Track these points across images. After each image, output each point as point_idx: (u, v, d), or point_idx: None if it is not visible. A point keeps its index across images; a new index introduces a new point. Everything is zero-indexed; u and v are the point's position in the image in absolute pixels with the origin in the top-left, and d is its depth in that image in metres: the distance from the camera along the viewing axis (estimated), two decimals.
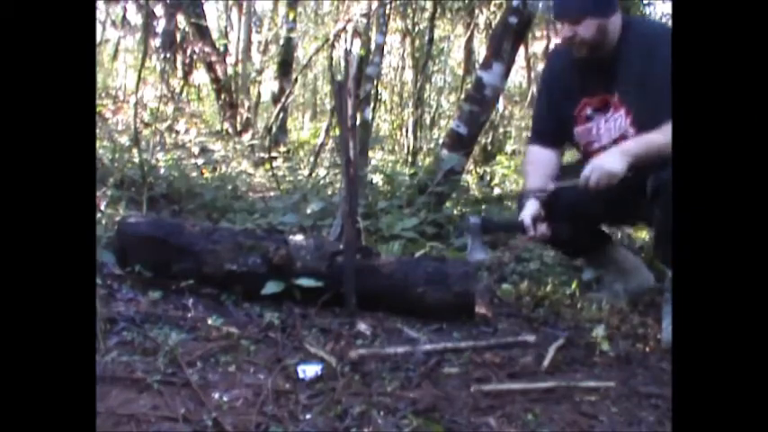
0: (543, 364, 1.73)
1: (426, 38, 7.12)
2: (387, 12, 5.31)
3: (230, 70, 7.84)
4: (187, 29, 7.36)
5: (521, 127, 7.96)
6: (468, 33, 8.04)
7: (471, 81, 4.70)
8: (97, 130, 4.48)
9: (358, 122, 2.41)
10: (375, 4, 5.41)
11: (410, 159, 6.44)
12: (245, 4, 8.67)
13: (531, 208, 2.07)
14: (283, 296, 1.99)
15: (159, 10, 7.02)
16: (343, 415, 1.37)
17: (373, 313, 2.02)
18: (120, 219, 2.27)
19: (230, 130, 7.38)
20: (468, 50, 8.15)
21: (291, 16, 7.51)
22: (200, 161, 4.89)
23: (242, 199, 3.89)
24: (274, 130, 6.78)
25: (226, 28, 9.32)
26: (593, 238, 2.39)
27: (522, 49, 6.63)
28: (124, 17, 7.86)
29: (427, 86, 8.10)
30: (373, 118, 5.79)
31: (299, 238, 2.24)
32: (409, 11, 7.28)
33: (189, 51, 7.39)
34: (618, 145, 1.99)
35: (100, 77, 7.60)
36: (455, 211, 3.53)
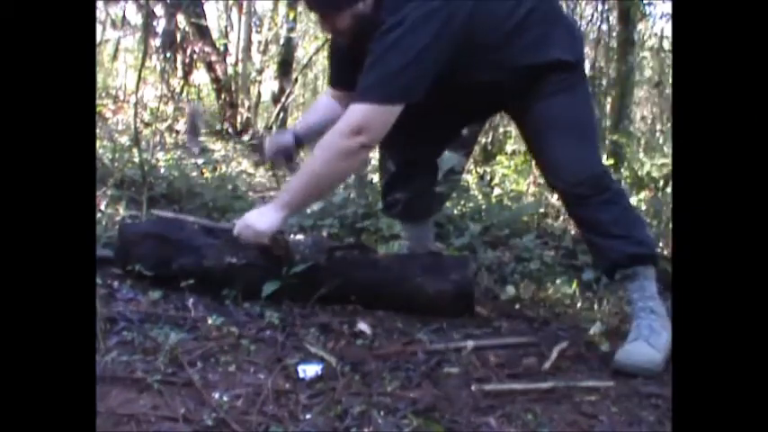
0: (545, 366, 1.73)
1: None
2: None
3: (230, 70, 7.84)
4: (187, 29, 7.36)
5: None
6: None
7: None
8: (97, 130, 4.47)
9: None
10: None
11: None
12: (245, 4, 8.67)
13: (282, 139, 2.15)
14: (283, 294, 1.99)
15: (159, 10, 7.03)
16: (343, 415, 1.37)
17: (373, 312, 2.02)
18: (121, 218, 2.27)
19: (230, 130, 7.38)
20: None
21: (291, 16, 7.51)
22: (200, 161, 4.89)
23: (242, 199, 3.89)
24: (274, 129, 6.78)
25: (226, 28, 9.32)
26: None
27: None
28: (124, 17, 7.87)
29: None
30: None
31: (299, 238, 2.24)
32: None
33: (189, 51, 7.39)
34: (276, 199, 1.95)
35: (100, 77, 7.61)
36: (455, 211, 3.53)
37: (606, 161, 4.36)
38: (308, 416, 1.37)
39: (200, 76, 8.04)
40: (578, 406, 1.51)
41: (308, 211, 3.28)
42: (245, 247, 2.00)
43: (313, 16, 8.15)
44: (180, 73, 7.63)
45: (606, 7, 6.53)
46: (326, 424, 1.34)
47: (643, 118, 10.75)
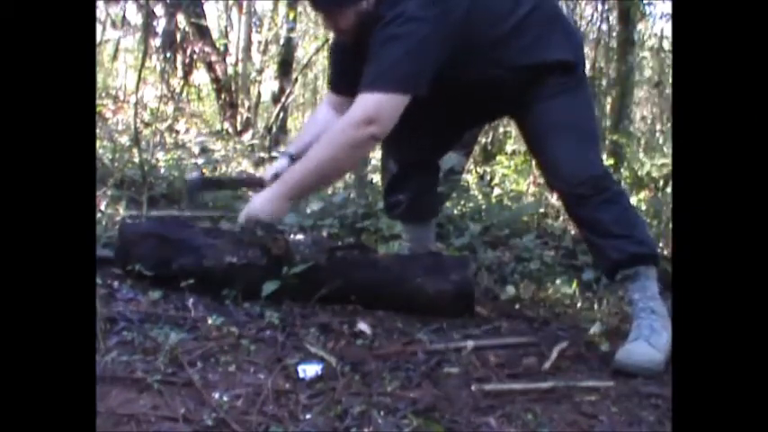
0: (545, 366, 1.73)
1: None
2: None
3: (230, 70, 7.83)
4: (187, 29, 7.36)
5: None
6: None
7: None
8: (97, 130, 4.47)
9: None
10: None
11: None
12: (245, 4, 8.66)
13: (276, 165, 2.14)
14: (283, 294, 1.99)
15: (159, 10, 7.03)
16: (343, 415, 1.37)
17: (373, 312, 2.02)
18: (122, 218, 2.27)
19: (230, 130, 7.37)
20: None
21: (291, 16, 7.51)
22: (200, 161, 4.89)
23: (242, 199, 3.89)
24: (274, 130, 6.78)
25: (226, 28, 9.31)
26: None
27: None
28: (124, 17, 7.87)
29: None
30: None
31: (299, 237, 2.24)
32: None
33: (189, 51, 7.38)
34: (278, 183, 1.94)
35: (100, 77, 7.60)
36: (455, 211, 3.53)
37: (606, 161, 4.36)
38: (308, 416, 1.37)
39: (201, 76, 8.03)
40: (578, 406, 1.51)
41: (308, 210, 3.28)
42: (247, 246, 2.00)
43: (314, 16, 8.14)
44: (180, 73, 7.62)
45: (606, 7, 6.54)
46: (326, 424, 1.34)
47: (643, 118, 10.75)
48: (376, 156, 6.89)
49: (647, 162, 6.24)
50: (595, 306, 2.33)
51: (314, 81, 11.35)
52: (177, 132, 6.04)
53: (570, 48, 1.93)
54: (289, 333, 1.81)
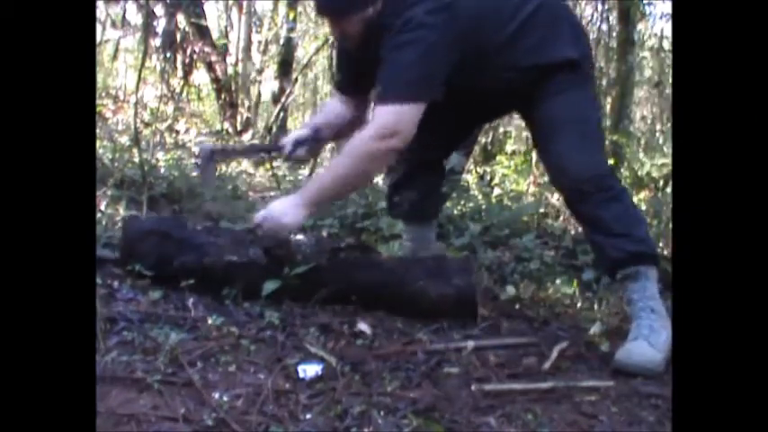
0: (545, 366, 1.73)
1: None
2: None
3: (230, 70, 7.84)
4: (187, 29, 7.36)
5: (521, 127, 7.95)
6: None
7: None
8: (97, 130, 4.47)
9: None
10: None
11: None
12: (245, 4, 8.67)
13: (296, 133, 2.16)
14: (283, 294, 1.99)
15: (159, 10, 7.02)
16: (343, 415, 1.37)
17: (373, 312, 2.01)
18: (124, 216, 2.28)
19: (230, 130, 7.37)
20: None
21: (291, 16, 7.51)
22: (200, 161, 4.87)
23: (242, 199, 3.89)
24: (274, 129, 6.77)
25: (226, 28, 9.31)
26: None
27: None
28: (124, 17, 7.87)
29: None
30: None
31: (299, 237, 2.24)
32: None
33: (189, 51, 7.39)
34: (299, 192, 1.95)
35: (100, 77, 7.60)
36: (455, 211, 3.53)
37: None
38: (308, 416, 1.37)
39: (201, 76, 8.03)
40: (578, 406, 1.51)
41: None
42: (248, 244, 2.00)
43: (314, 16, 8.13)
44: (180, 73, 7.62)
45: (606, 7, 6.53)
46: (326, 424, 1.34)
47: (643, 118, 10.75)
48: None
49: (647, 162, 6.24)
50: (595, 306, 2.33)
51: (314, 81, 11.36)
52: (177, 132, 6.04)
53: (577, 45, 1.94)
54: (289, 333, 1.81)
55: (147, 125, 5.55)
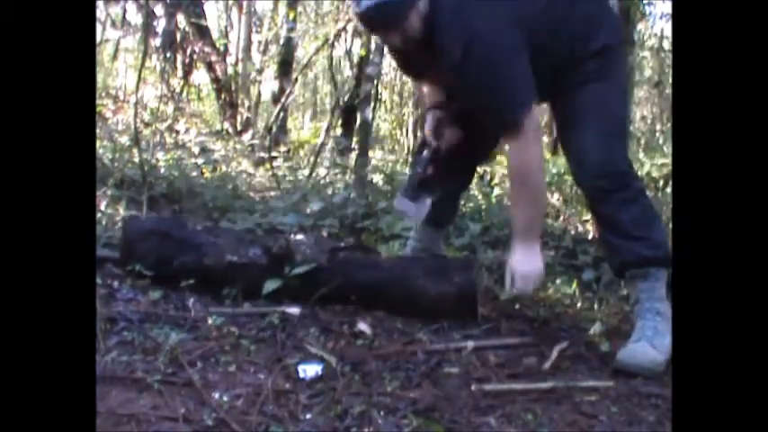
0: (545, 366, 1.73)
1: None
2: None
3: (230, 70, 7.84)
4: (187, 29, 7.36)
5: None
6: None
7: None
8: (97, 130, 4.47)
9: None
10: None
11: (410, 159, 6.43)
12: (245, 4, 8.67)
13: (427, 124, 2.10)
14: (283, 293, 1.99)
15: (159, 10, 7.03)
16: (343, 415, 1.37)
17: (373, 312, 2.02)
18: (124, 216, 2.28)
19: (230, 130, 7.37)
20: None
21: (291, 16, 7.50)
22: (200, 161, 4.89)
23: (242, 198, 3.89)
24: (274, 129, 6.77)
25: (226, 28, 9.32)
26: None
27: None
28: (124, 17, 7.88)
29: None
30: (373, 118, 5.79)
31: (299, 237, 2.24)
32: None
33: (189, 51, 7.39)
34: (521, 240, 1.91)
35: (100, 77, 7.60)
36: None
37: None
38: (308, 416, 1.37)
39: (201, 76, 8.03)
40: (578, 406, 1.51)
41: (308, 210, 3.28)
42: (248, 244, 2.01)
43: (314, 17, 8.09)
44: (180, 73, 7.62)
45: None
46: (326, 424, 1.34)
47: (643, 118, 10.76)
48: (375, 156, 6.91)
49: (647, 162, 6.23)
50: (595, 306, 2.33)
51: (314, 81, 11.36)
52: (177, 132, 6.04)
53: (611, 29, 1.93)
54: (289, 333, 1.81)
55: (147, 125, 5.55)
